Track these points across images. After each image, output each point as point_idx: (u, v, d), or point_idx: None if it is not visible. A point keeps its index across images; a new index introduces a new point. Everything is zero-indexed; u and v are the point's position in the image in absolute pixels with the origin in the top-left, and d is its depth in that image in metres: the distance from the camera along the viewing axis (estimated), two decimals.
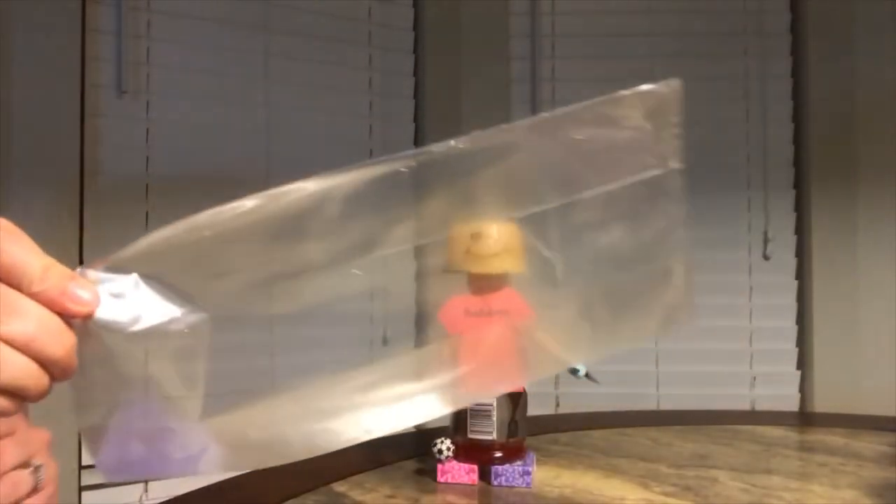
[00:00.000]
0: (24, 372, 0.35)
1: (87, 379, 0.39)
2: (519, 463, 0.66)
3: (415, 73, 1.66)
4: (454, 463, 0.66)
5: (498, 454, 0.66)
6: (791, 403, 1.60)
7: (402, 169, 0.40)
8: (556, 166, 0.40)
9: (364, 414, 0.42)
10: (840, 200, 1.59)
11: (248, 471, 0.68)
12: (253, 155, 1.46)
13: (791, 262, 1.64)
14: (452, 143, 0.40)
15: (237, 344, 1.39)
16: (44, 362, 0.36)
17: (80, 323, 0.38)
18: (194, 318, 0.41)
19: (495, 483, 0.65)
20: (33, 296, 0.36)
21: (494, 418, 0.65)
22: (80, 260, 1.27)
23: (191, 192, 1.39)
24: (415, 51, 1.66)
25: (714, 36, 1.66)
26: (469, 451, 0.66)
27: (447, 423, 0.69)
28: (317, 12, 1.54)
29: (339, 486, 0.64)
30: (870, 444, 0.79)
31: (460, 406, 0.43)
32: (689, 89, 1.80)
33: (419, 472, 0.69)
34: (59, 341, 0.36)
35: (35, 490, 0.39)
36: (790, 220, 1.64)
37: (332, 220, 0.42)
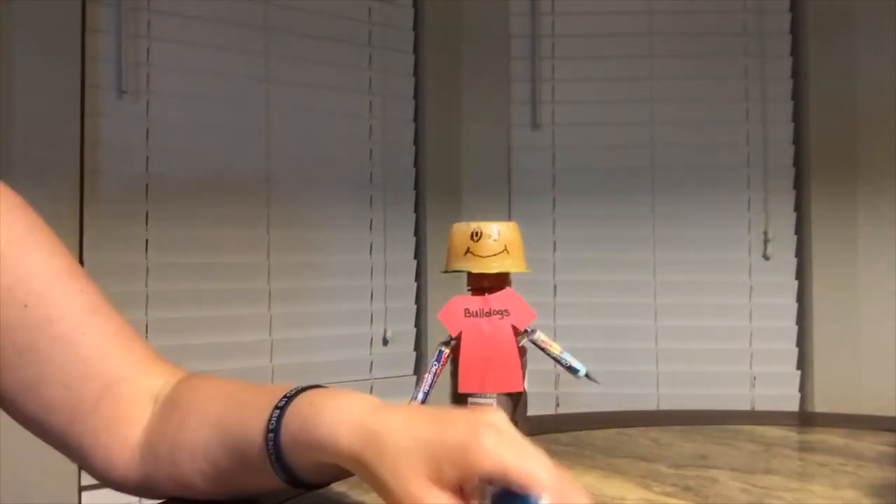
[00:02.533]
0: None
1: None
2: None
3: (415, 73, 1.66)
4: None
5: None
6: (791, 403, 1.60)
7: None
8: None
9: None
10: (840, 200, 1.59)
11: None
12: (253, 155, 1.46)
13: (791, 262, 1.64)
14: None
15: (237, 344, 1.40)
16: None
17: None
18: None
19: None
20: None
21: None
22: (80, 260, 1.27)
23: (191, 192, 1.39)
24: (415, 51, 1.66)
25: (714, 36, 1.67)
26: None
27: None
28: (317, 12, 1.54)
29: (340, 486, 0.64)
30: (870, 444, 0.79)
31: None
32: (689, 89, 1.83)
33: None
34: None
35: None
36: (790, 220, 1.64)
37: None
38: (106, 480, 0.58)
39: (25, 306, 0.56)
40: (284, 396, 0.49)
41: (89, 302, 0.60)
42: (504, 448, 0.37)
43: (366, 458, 0.41)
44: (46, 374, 0.56)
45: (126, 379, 0.59)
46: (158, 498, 0.58)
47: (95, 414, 0.57)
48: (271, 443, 0.47)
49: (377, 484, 0.41)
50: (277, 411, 0.48)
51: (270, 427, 0.48)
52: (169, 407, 0.58)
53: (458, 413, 0.41)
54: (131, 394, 0.58)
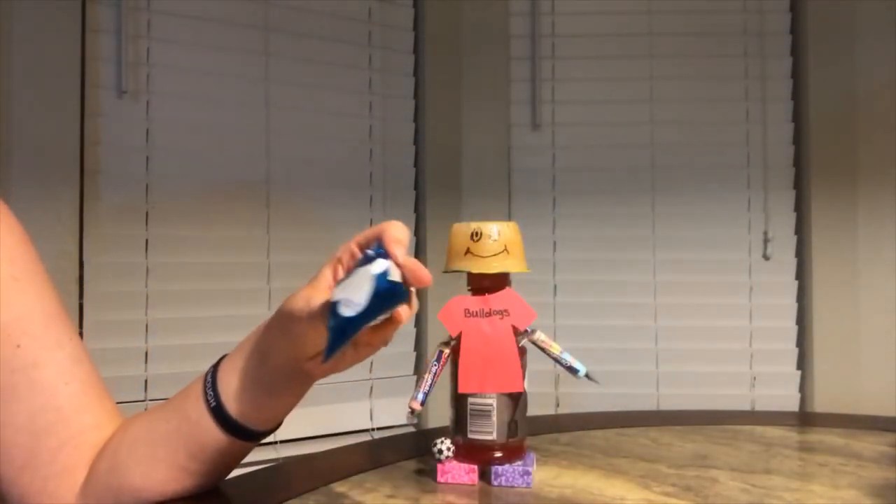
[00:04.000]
0: None
1: None
2: (519, 463, 0.66)
3: (415, 73, 1.66)
4: (454, 463, 0.66)
5: (498, 454, 0.66)
6: (791, 403, 1.60)
7: None
8: None
9: None
10: (840, 200, 1.59)
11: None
12: (253, 155, 1.46)
13: (791, 262, 1.64)
14: None
15: (237, 343, 1.39)
16: None
17: None
18: None
19: (495, 483, 0.65)
20: None
21: (494, 418, 0.65)
22: (80, 260, 1.27)
23: (191, 192, 1.39)
24: (415, 51, 1.66)
25: (714, 36, 1.67)
26: (469, 451, 0.66)
27: (447, 423, 0.69)
28: (317, 12, 1.54)
29: (339, 487, 0.64)
30: (870, 444, 0.79)
31: None
32: (689, 89, 1.83)
33: (419, 472, 0.69)
34: None
35: None
36: (790, 220, 1.64)
37: None
38: None
39: (18, 346, 0.56)
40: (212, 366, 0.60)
41: (75, 351, 0.60)
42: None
43: (280, 316, 0.55)
44: (14, 419, 0.56)
45: (94, 429, 0.59)
46: None
47: (52, 462, 0.57)
48: (209, 378, 0.58)
49: (295, 318, 0.53)
50: (212, 369, 0.59)
51: (209, 371, 0.59)
52: (111, 435, 0.60)
53: None
54: (94, 442, 0.59)
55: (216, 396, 0.56)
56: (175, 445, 0.56)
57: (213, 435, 0.56)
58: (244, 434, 0.57)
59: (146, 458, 0.56)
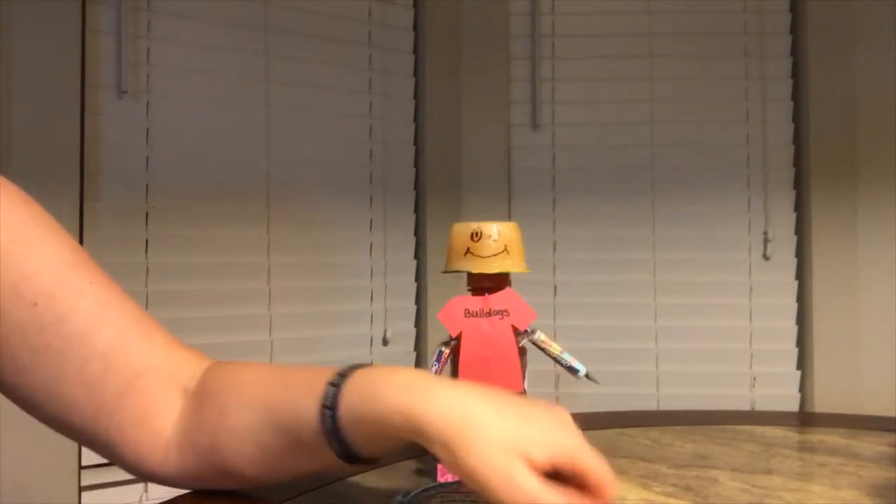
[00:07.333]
0: None
1: None
2: None
3: (415, 73, 1.66)
4: None
5: None
6: (791, 403, 1.60)
7: None
8: None
9: None
10: (840, 200, 1.59)
11: None
12: (253, 155, 1.46)
13: (791, 262, 1.64)
14: None
15: (237, 344, 1.40)
16: None
17: None
18: None
19: None
20: None
21: None
22: None
23: (191, 192, 1.39)
24: (415, 51, 1.66)
25: (714, 36, 1.66)
26: None
27: None
28: (317, 12, 1.54)
29: (340, 486, 0.64)
30: (870, 444, 0.79)
31: None
32: (689, 89, 1.83)
33: (419, 472, 0.69)
34: None
35: None
36: (790, 220, 1.64)
37: None
38: (141, 475, 0.56)
39: (35, 304, 0.54)
40: (338, 374, 0.50)
41: (102, 294, 0.57)
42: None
43: (454, 444, 0.43)
44: (65, 373, 0.54)
45: (150, 370, 0.57)
46: (200, 488, 0.56)
47: (121, 410, 0.55)
48: (329, 419, 0.48)
49: (461, 466, 0.42)
50: (333, 388, 0.49)
51: (326, 404, 0.48)
52: (203, 395, 0.56)
53: (542, 409, 0.46)
54: (157, 385, 0.56)
55: (334, 417, 0.49)
56: (278, 460, 0.53)
57: (324, 456, 0.50)
58: (358, 460, 0.50)
59: (255, 459, 0.53)
